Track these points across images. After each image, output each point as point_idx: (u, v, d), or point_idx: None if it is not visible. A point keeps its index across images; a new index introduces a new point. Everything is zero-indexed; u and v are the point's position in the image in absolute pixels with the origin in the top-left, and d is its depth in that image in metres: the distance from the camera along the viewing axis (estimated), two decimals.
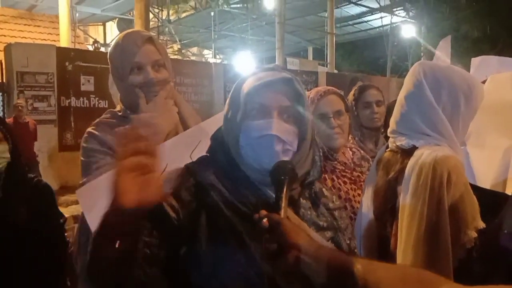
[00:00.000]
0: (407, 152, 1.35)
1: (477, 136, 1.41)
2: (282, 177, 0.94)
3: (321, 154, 1.12)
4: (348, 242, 1.11)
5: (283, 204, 0.90)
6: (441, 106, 1.34)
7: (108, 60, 1.60)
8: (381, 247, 1.40)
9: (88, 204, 1.35)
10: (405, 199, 1.29)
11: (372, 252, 1.45)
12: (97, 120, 1.61)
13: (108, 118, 1.60)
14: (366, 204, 1.47)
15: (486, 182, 1.37)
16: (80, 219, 1.50)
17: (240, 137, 1.03)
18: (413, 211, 1.26)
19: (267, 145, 0.99)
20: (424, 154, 1.28)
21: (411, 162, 1.31)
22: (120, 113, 1.60)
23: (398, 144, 1.40)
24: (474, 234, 1.21)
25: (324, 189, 1.17)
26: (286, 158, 1.01)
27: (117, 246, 0.83)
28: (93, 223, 1.30)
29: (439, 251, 1.22)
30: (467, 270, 1.22)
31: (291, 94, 1.03)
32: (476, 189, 1.29)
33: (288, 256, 0.81)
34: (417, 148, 1.33)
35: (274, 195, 0.96)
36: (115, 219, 0.81)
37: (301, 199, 1.07)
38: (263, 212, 0.86)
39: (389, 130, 1.48)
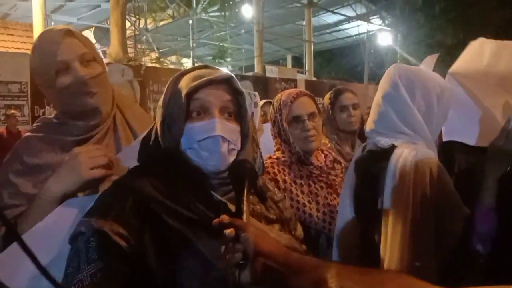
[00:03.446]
0: (387, 151, 1.38)
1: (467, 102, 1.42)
2: (242, 179, 0.89)
3: (261, 151, 1.11)
4: (294, 232, 1.11)
5: (245, 208, 0.85)
6: (416, 106, 1.39)
7: (30, 70, 1.37)
8: (364, 246, 1.41)
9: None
10: (388, 197, 1.31)
11: (351, 252, 1.47)
12: (26, 134, 1.35)
13: (36, 131, 1.33)
14: (346, 205, 1.50)
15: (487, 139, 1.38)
16: None
17: (182, 140, 0.98)
18: (397, 209, 1.29)
19: (212, 147, 0.95)
20: (404, 153, 1.32)
21: (392, 160, 1.33)
22: (56, 120, 1.35)
23: (377, 143, 1.43)
24: (462, 223, 1.26)
25: (267, 182, 1.15)
26: (231, 158, 0.98)
27: None
28: None
29: (424, 247, 1.25)
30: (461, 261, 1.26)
31: (231, 92, 1.01)
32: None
33: (255, 265, 0.75)
34: (396, 147, 1.36)
35: (220, 198, 0.92)
36: None
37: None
38: (225, 217, 0.80)
39: (367, 130, 1.51)
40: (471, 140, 1.37)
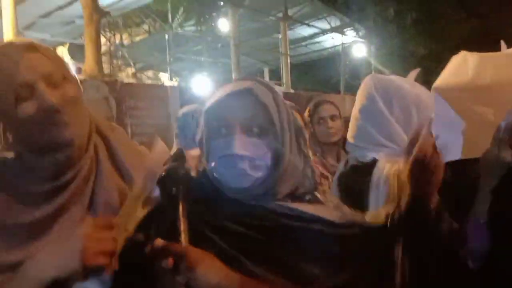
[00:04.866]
0: (369, 166, 1.35)
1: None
2: (174, 190, 0.77)
3: (312, 168, 1.03)
4: None
5: (182, 227, 0.72)
6: (395, 117, 1.38)
7: None
8: None
9: None
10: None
11: None
12: None
13: None
14: None
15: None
16: None
17: (209, 157, 0.95)
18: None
19: (229, 165, 0.91)
20: (387, 166, 1.29)
21: (375, 175, 1.30)
22: (14, 158, 1.05)
23: (359, 158, 1.41)
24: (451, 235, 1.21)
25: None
26: (256, 174, 0.89)
27: None
28: None
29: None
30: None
31: (254, 105, 0.93)
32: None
33: None
34: (377, 160, 1.34)
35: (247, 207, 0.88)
36: None
37: None
38: (159, 241, 0.68)
39: (347, 144, 1.49)
40: (455, 155, 1.34)
